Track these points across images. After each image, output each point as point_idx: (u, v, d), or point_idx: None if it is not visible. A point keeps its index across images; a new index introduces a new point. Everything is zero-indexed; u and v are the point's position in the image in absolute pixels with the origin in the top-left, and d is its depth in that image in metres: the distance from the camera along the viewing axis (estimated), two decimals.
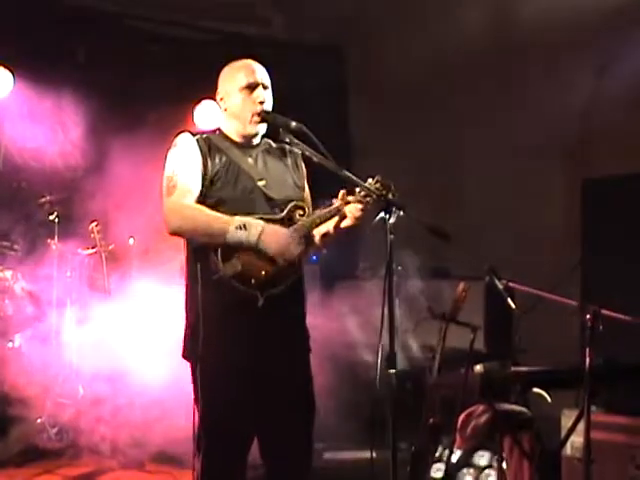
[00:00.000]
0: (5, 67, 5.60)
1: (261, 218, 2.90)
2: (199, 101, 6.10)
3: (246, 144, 3.06)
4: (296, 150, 3.10)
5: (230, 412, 2.86)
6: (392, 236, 2.70)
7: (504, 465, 3.81)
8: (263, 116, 3.00)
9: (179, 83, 6.42)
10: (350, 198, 2.90)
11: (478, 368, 3.65)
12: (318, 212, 2.97)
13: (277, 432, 2.96)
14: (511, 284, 3.88)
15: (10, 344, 5.27)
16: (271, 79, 3.09)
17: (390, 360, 2.67)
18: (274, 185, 3.01)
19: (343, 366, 5.16)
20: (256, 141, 3.09)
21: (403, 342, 5.13)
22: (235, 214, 2.87)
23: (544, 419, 3.95)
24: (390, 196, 2.83)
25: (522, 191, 5.67)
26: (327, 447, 5.17)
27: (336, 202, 2.93)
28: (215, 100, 3.13)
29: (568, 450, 3.93)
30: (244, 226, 2.83)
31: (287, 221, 2.95)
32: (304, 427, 3.01)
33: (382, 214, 2.73)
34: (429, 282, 5.35)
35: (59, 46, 6.18)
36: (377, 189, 2.86)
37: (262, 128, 3.05)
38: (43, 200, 5.58)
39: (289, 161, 3.13)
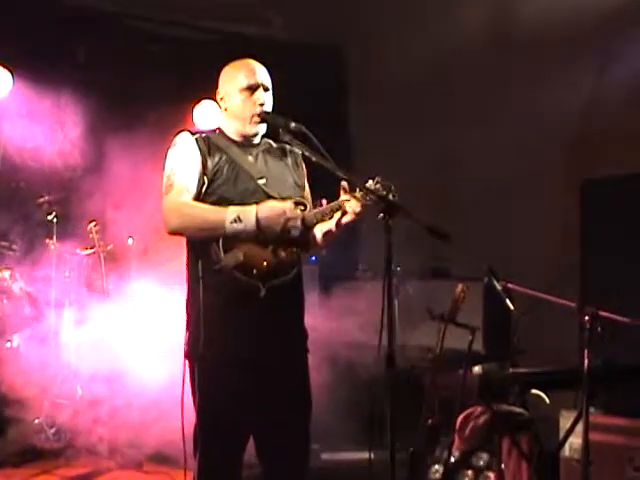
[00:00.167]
0: (4, 67, 5.59)
1: None
2: (199, 101, 6.10)
3: (246, 143, 3.08)
4: (296, 150, 3.11)
5: (230, 403, 2.87)
6: (391, 237, 2.69)
7: (502, 466, 3.80)
8: (263, 117, 3.01)
9: (179, 83, 6.42)
10: (357, 194, 2.90)
11: (477, 369, 3.65)
12: (319, 208, 2.98)
13: (275, 426, 2.96)
14: (510, 285, 3.88)
15: (8, 344, 5.27)
16: (271, 79, 3.09)
17: (389, 360, 2.67)
18: (274, 183, 3.02)
19: (342, 366, 5.16)
20: (256, 140, 3.10)
21: (402, 343, 5.13)
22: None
23: (542, 420, 3.95)
24: (390, 197, 2.83)
25: (522, 191, 5.66)
26: (325, 447, 5.15)
27: (343, 196, 2.93)
28: (215, 100, 3.14)
29: (566, 451, 3.93)
30: (238, 218, 2.84)
31: None
32: (301, 422, 3.02)
33: (382, 215, 2.72)
34: (428, 283, 5.35)
35: (59, 46, 6.17)
36: (377, 190, 2.86)
37: (262, 128, 3.06)
38: (42, 200, 5.57)
39: (289, 161, 3.15)
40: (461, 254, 4.79)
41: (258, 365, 2.89)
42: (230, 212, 2.86)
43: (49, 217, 5.53)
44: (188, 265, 3.01)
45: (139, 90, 6.41)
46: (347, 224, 2.99)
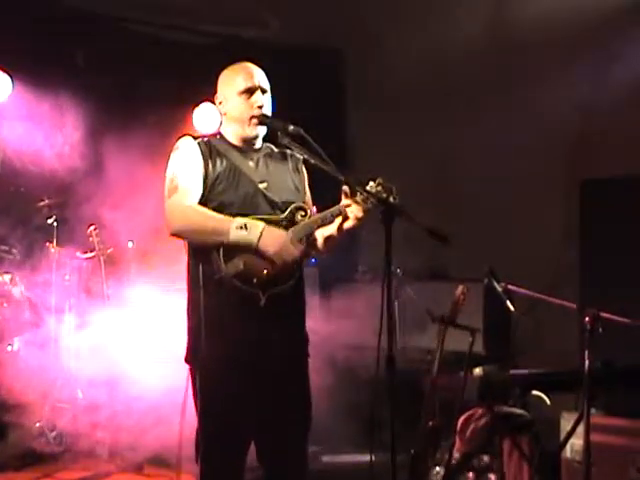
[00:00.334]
0: (4, 71, 5.59)
1: (263, 219, 2.91)
2: (198, 104, 6.09)
3: (247, 148, 3.08)
4: (297, 155, 3.11)
5: (232, 407, 2.88)
6: (391, 239, 2.69)
7: (504, 468, 3.79)
8: (261, 119, 3.01)
9: (179, 86, 6.41)
10: (358, 199, 2.90)
11: (477, 371, 3.64)
12: (320, 214, 2.98)
13: (275, 430, 2.97)
14: (510, 286, 3.88)
15: (9, 348, 5.26)
16: (270, 81, 3.09)
17: (389, 362, 2.66)
18: (275, 188, 3.03)
19: (342, 369, 5.15)
20: (257, 145, 3.11)
21: (402, 345, 5.12)
22: (237, 217, 2.88)
23: (543, 422, 3.94)
24: (391, 199, 2.83)
25: (522, 191, 5.65)
26: (326, 450, 5.15)
27: (344, 200, 2.93)
28: (214, 103, 3.14)
29: (568, 453, 3.92)
30: (245, 226, 2.84)
31: (289, 222, 2.97)
32: (301, 426, 3.03)
33: (383, 218, 2.72)
34: (428, 284, 5.34)
35: (58, 50, 6.16)
36: (378, 193, 2.85)
37: (261, 130, 3.07)
38: (42, 204, 5.57)
39: (290, 165, 3.15)
40: (461, 255, 4.79)
41: (258, 369, 2.89)
42: (238, 220, 2.86)
43: (49, 221, 5.53)
44: (188, 271, 3.01)
45: (139, 94, 6.40)
46: (349, 229, 2.99)
